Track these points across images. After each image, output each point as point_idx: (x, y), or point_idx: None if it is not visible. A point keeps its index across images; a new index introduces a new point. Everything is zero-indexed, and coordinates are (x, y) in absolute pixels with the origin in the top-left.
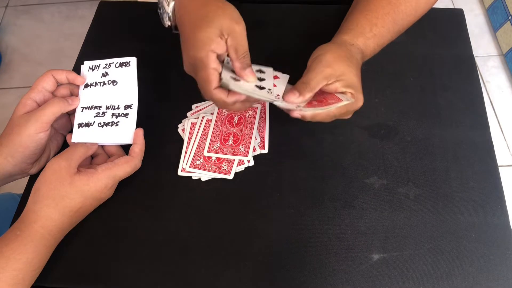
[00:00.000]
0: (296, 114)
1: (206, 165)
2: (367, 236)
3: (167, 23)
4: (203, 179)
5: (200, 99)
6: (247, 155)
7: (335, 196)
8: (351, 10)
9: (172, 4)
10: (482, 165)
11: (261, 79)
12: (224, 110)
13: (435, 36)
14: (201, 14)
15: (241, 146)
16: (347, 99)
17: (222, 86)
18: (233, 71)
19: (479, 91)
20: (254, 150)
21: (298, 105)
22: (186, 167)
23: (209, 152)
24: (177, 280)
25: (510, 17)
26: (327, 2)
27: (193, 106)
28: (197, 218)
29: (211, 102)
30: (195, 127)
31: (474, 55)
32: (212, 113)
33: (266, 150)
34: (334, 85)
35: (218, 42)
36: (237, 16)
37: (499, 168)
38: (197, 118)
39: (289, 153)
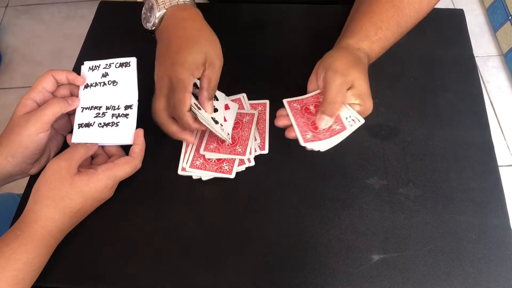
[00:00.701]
0: (308, 148)
1: (207, 165)
2: (367, 236)
3: (150, 27)
4: (203, 178)
5: None
6: (244, 155)
7: (335, 196)
8: (354, 13)
9: (162, 12)
10: (482, 165)
11: (215, 110)
12: None
13: (435, 36)
14: (194, 37)
15: (238, 147)
16: (360, 119)
17: (190, 110)
18: (195, 97)
19: (479, 91)
20: (255, 151)
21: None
22: (186, 167)
23: (205, 151)
24: (177, 280)
25: (510, 17)
26: (327, 2)
27: None
28: (197, 218)
29: None
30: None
31: (474, 55)
32: None
33: (266, 151)
34: (346, 94)
35: (200, 69)
36: (221, 53)
37: (499, 168)
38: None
39: (289, 153)
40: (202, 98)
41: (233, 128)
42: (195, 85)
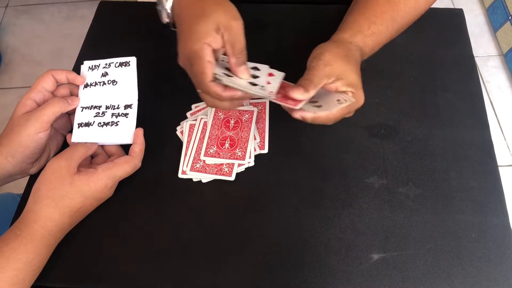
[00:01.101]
0: (297, 115)
1: (207, 168)
2: (367, 236)
3: (166, 19)
4: (204, 180)
5: (200, 99)
6: (244, 159)
7: (335, 196)
8: (350, 10)
9: (171, 2)
10: (482, 165)
11: (254, 76)
12: (219, 112)
13: (435, 36)
14: (199, 9)
15: (237, 150)
16: (349, 99)
17: (216, 81)
18: (226, 69)
19: (479, 91)
20: (254, 150)
21: (293, 107)
22: (186, 170)
23: (205, 156)
24: (177, 280)
25: (510, 17)
26: (327, 2)
27: (193, 106)
28: (197, 218)
29: None
30: (194, 130)
31: (474, 55)
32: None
33: (266, 150)
34: (335, 84)
35: (215, 36)
36: (235, 12)
37: (499, 168)
38: (195, 120)
39: (289, 153)
40: (232, 65)
41: (232, 129)
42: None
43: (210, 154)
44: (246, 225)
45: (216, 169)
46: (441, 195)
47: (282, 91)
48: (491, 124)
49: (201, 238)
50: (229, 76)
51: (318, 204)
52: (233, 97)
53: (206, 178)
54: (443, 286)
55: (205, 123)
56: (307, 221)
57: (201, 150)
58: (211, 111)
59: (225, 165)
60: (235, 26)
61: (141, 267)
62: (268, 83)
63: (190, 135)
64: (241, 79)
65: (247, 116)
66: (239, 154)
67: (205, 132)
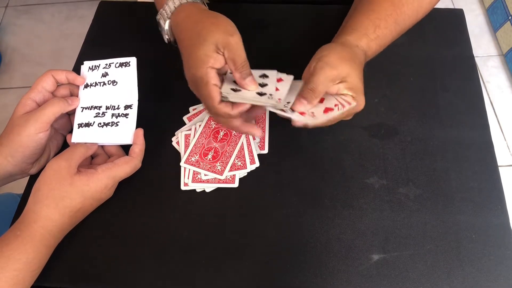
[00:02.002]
0: (299, 124)
1: (209, 179)
2: (367, 236)
3: (167, 39)
4: (207, 190)
5: (197, 101)
6: (221, 175)
7: (335, 196)
8: (353, 11)
9: (167, 22)
10: (482, 165)
11: (263, 85)
12: (212, 121)
13: (435, 36)
14: (195, 32)
15: (218, 164)
16: (347, 104)
17: (223, 100)
18: (235, 82)
19: (479, 91)
20: (251, 154)
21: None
22: (188, 182)
23: (185, 163)
24: (177, 280)
25: (510, 17)
26: (327, 2)
27: (190, 109)
28: (197, 218)
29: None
30: (190, 140)
31: (474, 55)
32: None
33: (266, 150)
34: (337, 86)
35: (216, 57)
36: (231, 28)
37: (499, 168)
38: (190, 129)
39: (289, 153)
40: (238, 80)
41: (220, 140)
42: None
43: (190, 162)
44: (245, 225)
45: (218, 178)
46: (441, 195)
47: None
48: (491, 124)
49: (201, 238)
50: (237, 90)
51: (318, 204)
52: (242, 111)
53: (209, 187)
54: (443, 287)
55: (196, 130)
56: (307, 221)
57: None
58: (206, 118)
59: (229, 176)
60: (233, 42)
61: (141, 267)
62: (277, 89)
63: (186, 147)
64: (250, 91)
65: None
66: (218, 168)
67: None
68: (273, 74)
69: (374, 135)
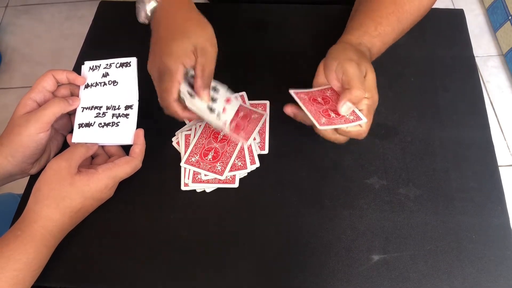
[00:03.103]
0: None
1: (209, 179)
2: (367, 236)
3: (143, 19)
4: (207, 190)
5: None
6: (221, 175)
7: (335, 196)
8: (354, 12)
9: (152, 3)
10: (482, 165)
11: (213, 99)
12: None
13: (436, 36)
14: (181, 26)
15: (218, 164)
16: (359, 119)
17: (179, 99)
18: (190, 86)
19: (479, 91)
20: (251, 154)
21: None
22: (188, 182)
23: (186, 163)
24: (177, 280)
25: (510, 17)
26: (328, 2)
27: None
28: (197, 218)
29: None
30: (190, 140)
31: (474, 55)
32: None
33: (266, 151)
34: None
35: (190, 56)
36: (213, 39)
37: (499, 168)
38: (190, 130)
39: (289, 153)
40: (197, 87)
41: (220, 141)
42: (191, 75)
43: (191, 162)
44: (245, 225)
45: (219, 179)
46: (441, 195)
47: (239, 119)
48: (491, 124)
49: (201, 238)
50: (191, 95)
51: (318, 204)
52: (189, 118)
53: (209, 187)
54: (444, 287)
55: (196, 131)
56: (307, 221)
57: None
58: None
59: (229, 176)
60: (210, 51)
61: (141, 267)
62: (224, 109)
63: (187, 147)
64: (201, 102)
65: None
66: (218, 168)
67: (189, 143)
68: (223, 90)
69: (374, 136)
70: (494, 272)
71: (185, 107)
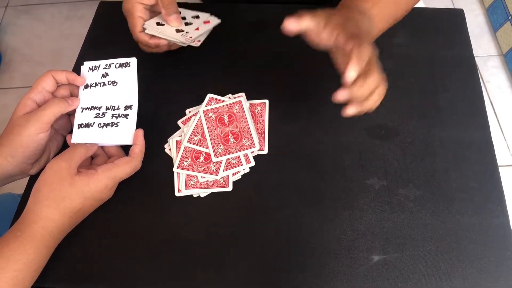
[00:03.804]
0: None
1: (202, 183)
2: (367, 237)
3: None
4: (202, 195)
5: (193, 103)
6: (254, 146)
7: (335, 196)
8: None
9: None
10: (482, 165)
11: (188, 23)
12: (209, 113)
13: (435, 36)
14: None
15: (244, 140)
16: None
17: (145, 30)
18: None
19: (479, 91)
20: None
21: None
22: (182, 189)
23: (178, 168)
24: (177, 280)
25: (510, 17)
26: (327, 3)
27: (187, 111)
28: (197, 218)
29: (200, 107)
30: (181, 145)
31: (474, 55)
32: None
33: (265, 151)
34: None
35: None
36: None
37: (499, 168)
38: (180, 136)
39: (289, 153)
40: (164, 15)
41: (229, 123)
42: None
43: (183, 166)
44: (245, 226)
45: (212, 183)
46: (441, 196)
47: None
48: (491, 124)
49: (201, 238)
50: (161, 24)
51: (318, 205)
52: (158, 44)
53: (204, 192)
54: (444, 287)
55: (191, 136)
56: (307, 222)
57: (198, 159)
58: (192, 124)
59: (222, 180)
60: None
61: (141, 268)
62: (197, 29)
63: (178, 152)
64: (171, 27)
65: (237, 107)
66: (247, 143)
67: (200, 142)
68: (204, 16)
69: (374, 136)
70: (494, 272)
71: (152, 36)
